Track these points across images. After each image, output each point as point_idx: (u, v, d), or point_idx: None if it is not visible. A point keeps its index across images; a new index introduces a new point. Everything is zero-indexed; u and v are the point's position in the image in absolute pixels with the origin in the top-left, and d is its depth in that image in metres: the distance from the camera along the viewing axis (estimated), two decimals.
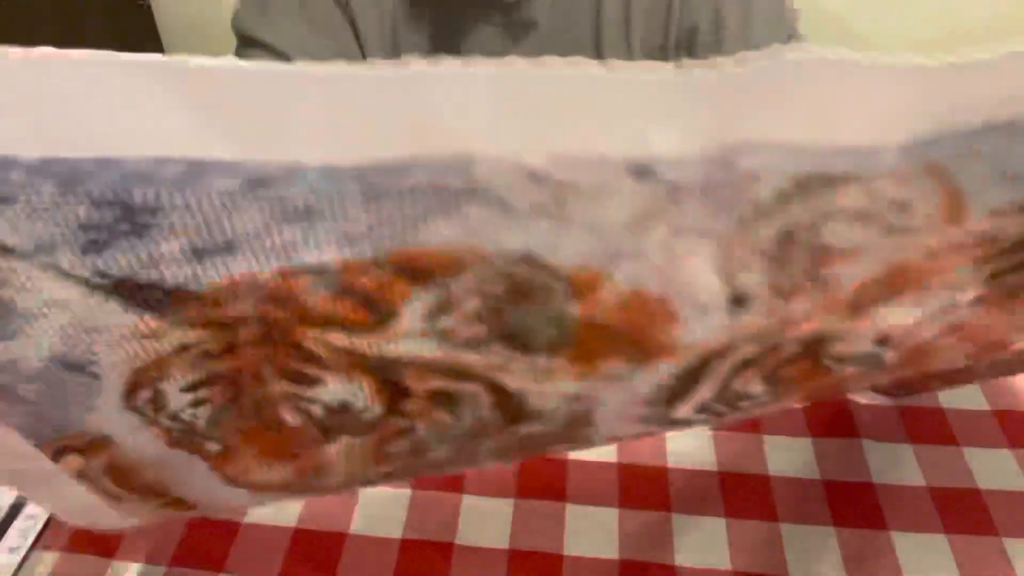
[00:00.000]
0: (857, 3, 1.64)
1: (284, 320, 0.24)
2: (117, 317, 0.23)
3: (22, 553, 0.45)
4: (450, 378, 0.28)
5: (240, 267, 0.22)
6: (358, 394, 0.28)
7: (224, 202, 0.20)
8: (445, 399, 0.29)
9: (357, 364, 0.27)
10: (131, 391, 0.27)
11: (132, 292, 0.22)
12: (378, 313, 0.24)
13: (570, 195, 0.21)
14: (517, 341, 0.26)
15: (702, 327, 0.26)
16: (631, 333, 0.26)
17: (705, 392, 0.32)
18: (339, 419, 0.30)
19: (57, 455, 0.30)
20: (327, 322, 0.24)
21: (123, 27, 1.75)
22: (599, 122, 0.19)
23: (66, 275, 0.21)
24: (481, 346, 0.26)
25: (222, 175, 0.19)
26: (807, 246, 0.23)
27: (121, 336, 0.24)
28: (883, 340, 0.29)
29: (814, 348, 0.29)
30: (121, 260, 0.21)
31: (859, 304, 0.27)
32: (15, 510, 0.51)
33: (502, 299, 0.24)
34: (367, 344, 0.25)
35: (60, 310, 0.22)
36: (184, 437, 0.30)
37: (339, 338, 0.25)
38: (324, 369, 0.27)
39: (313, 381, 0.27)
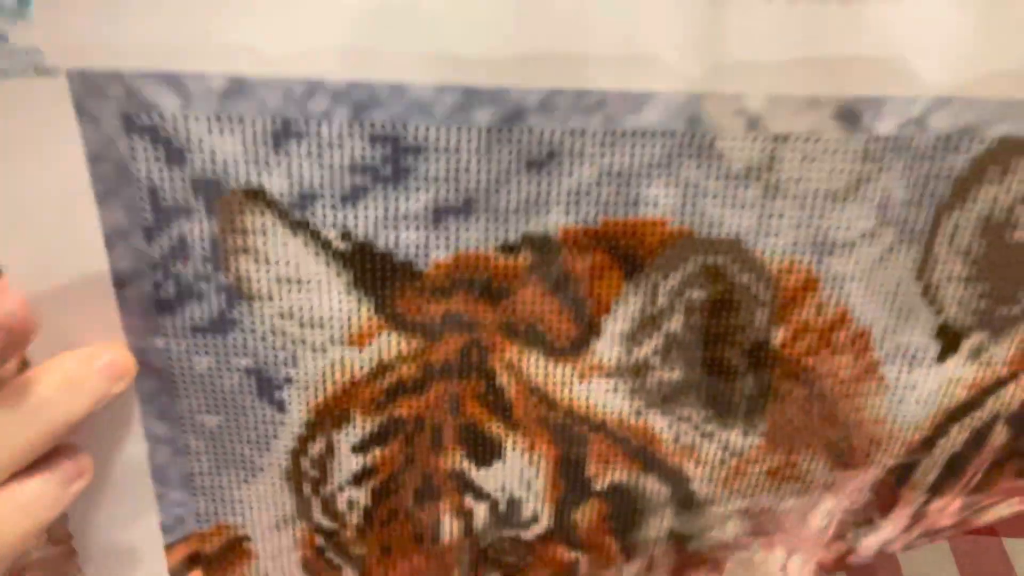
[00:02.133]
0: None
1: (489, 327, 0.24)
2: (339, 300, 0.23)
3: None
4: (635, 462, 0.26)
5: (470, 236, 0.23)
6: (532, 484, 0.26)
7: (480, 141, 0.21)
8: (622, 508, 0.27)
9: (543, 423, 0.25)
10: (306, 437, 0.25)
11: (365, 263, 0.23)
12: (583, 321, 0.24)
13: (782, 152, 0.22)
14: (712, 392, 0.25)
15: (909, 392, 0.25)
16: (831, 398, 0.25)
17: (900, 521, 0.29)
18: (498, 534, 0.27)
19: (179, 573, 0.27)
20: (530, 330, 0.24)
21: None
22: (814, 58, 0.21)
23: (314, 236, 0.22)
24: (674, 400, 0.25)
25: (485, 104, 0.21)
26: (1007, 245, 0.24)
27: (330, 338, 0.23)
28: None
29: (1018, 443, 0.27)
30: (370, 214, 0.22)
31: None
32: None
33: (704, 311, 0.24)
34: (560, 382, 0.24)
35: (288, 289, 0.23)
36: (326, 554, 0.27)
37: (535, 366, 0.24)
38: (508, 428, 0.25)
39: (490, 453, 0.25)
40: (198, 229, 0.22)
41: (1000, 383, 0.26)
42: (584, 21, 0.20)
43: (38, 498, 0.22)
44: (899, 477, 0.28)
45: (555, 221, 0.23)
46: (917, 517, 0.30)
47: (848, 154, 0.22)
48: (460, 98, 0.21)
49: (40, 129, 0.20)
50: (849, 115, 0.22)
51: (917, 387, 0.25)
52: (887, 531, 0.30)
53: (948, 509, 0.30)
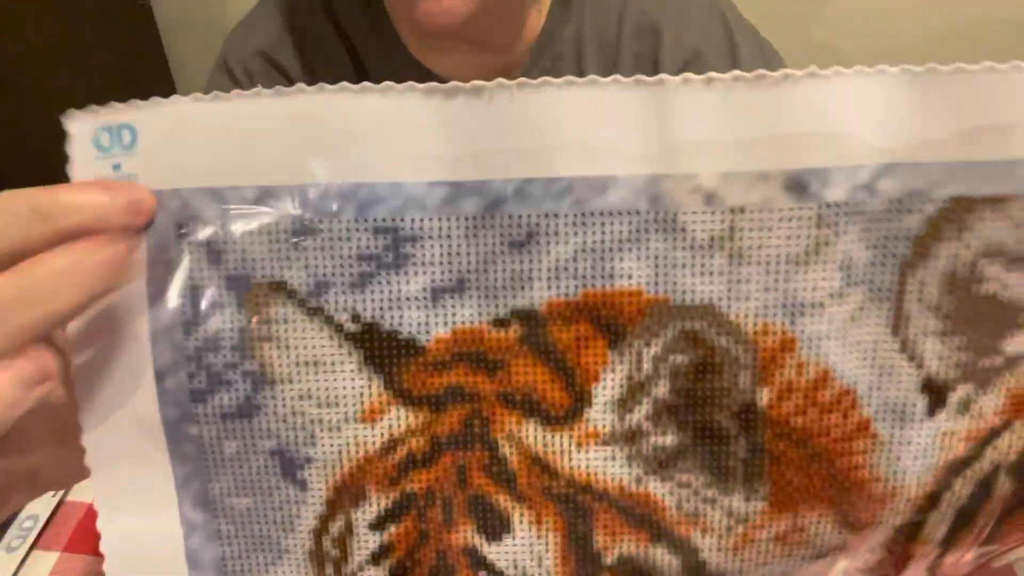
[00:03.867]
0: (843, 29, 1.47)
1: (488, 398, 0.26)
2: (351, 380, 0.26)
3: (22, 553, 0.44)
4: (641, 533, 0.26)
5: (464, 313, 0.25)
6: (543, 559, 0.27)
7: (467, 228, 0.25)
8: None
9: (546, 493, 0.26)
10: (327, 516, 0.27)
11: (373, 342, 0.25)
12: (574, 389, 0.26)
13: (740, 222, 0.25)
14: (708, 455, 0.26)
15: (904, 448, 0.26)
16: (827, 457, 0.26)
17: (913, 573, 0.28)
18: None
19: None
20: (526, 400, 0.26)
21: (123, 27, 1.67)
22: (758, 137, 0.24)
23: (328, 321, 0.25)
24: (672, 465, 0.26)
25: (470, 195, 0.25)
26: (976, 298, 0.25)
27: (344, 416, 0.26)
28: None
29: (1022, 493, 0.27)
30: (376, 297, 0.25)
31: None
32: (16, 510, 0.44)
33: (689, 375, 0.25)
34: (558, 451, 0.26)
35: (307, 372, 0.26)
36: None
37: (533, 436, 0.26)
38: (515, 499, 0.26)
39: (500, 526, 0.27)
40: (229, 322, 0.25)
41: (994, 433, 0.26)
42: (549, 119, 0.24)
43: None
44: (908, 534, 0.27)
45: (539, 295, 0.25)
46: (932, 569, 0.30)
47: (803, 221, 0.24)
48: (448, 191, 0.24)
49: None
50: (797, 186, 0.24)
51: (912, 443, 0.26)
52: None
53: (962, 560, 0.30)
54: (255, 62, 0.63)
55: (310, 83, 0.24)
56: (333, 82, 0.24)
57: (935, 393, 0.26)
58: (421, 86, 0.24)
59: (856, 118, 0.24)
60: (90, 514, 0.46)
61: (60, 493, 0.47)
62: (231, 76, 0.65)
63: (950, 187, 0.24)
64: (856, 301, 0.25)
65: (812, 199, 0.24)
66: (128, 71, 1.66)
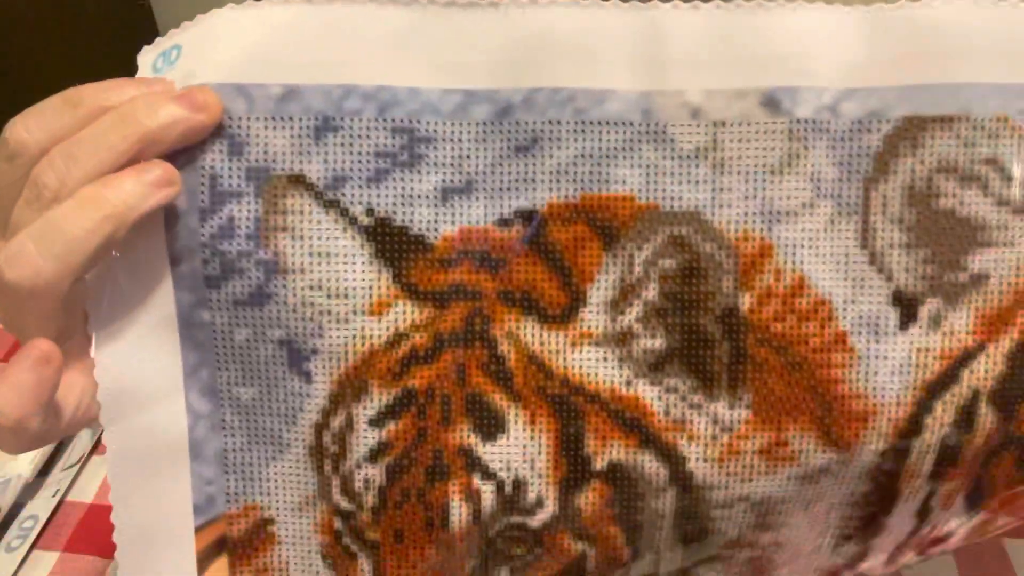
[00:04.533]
0: None
1: (490, 296, 0.27)
2: (362, 271, 0.27)
3: (22, 553, 0.44)
4: (630, 438, 0.28)
5: (471, 212, 0.27)
6: (536, 462, 0.28)
7: (477, 132, 0.27)
8: (623, 491, 0.28)
9: (541, 393, 0.27)
10: (329, 410, 0.28)
11: (385, 235, 0.27)
12: (570, 288, 0.27)
13: (722, 135, 0.27)
14: (694, 358, 0.27)
15: (881, 362, 0.27)
16: (807, 367, 0.27)
17: (900, 522, 0.29)
18: (506, 520, 0.28)
19: (206, 558, 0.28)
20: (525, 298, 0.27)
21: (123, 26, 1.68)
22: (737, 57, 0.27)
23: (343, 213, 0.27)
24: (661, 368, 0.27)
25: (481, 102, 0.27)
26: (935, 212, 0.27)
27: (353, 308, 0.27)
28: None
29: (1009, 428, 0.28)
30: (390, 193, 0.27)
31: (1020, 328, 0.27)
32: (16, 510, 0.46)
33: (676, 279, 0.27)
34: (554, 350, 0.27)
35: (319, 262, 0.27)
36: (343, 539, 0.29)
37: (531, 334, 0.27)
38: (510, 398, 0.27)
39: (495, 425, 0.28)
40: (245, 211, 0.27)
41: (969, 354, 0.28)
42: (555, 34, 0.27)
43: (129, 192, 0.24)
44: (894, 461, 0.28)
45: (541, 197, 0.27)
46: (921, 543, 0.31)
47: (776, 134, 0.27)
48: (462, 98, 0.27)
49: None
50: (771, 102, 0.27)
51: (888, 357, 0.27)
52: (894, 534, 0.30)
53: (948, 528, 0.31)
54: None
55: None
56: None
57: (905, 306, 0.27)
58: (442, 2, 0.27)
59: (821, 45, 0.27)
60: (90, 514, 0.47)
61: (60, 493, 0.47)
62: None
63: (903, 107, 0.27)
64: (826, 213, 0.27)
65: (784, 114, 0.27)
66: (128, 71, 1.68)
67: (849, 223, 0.27)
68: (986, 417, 0.28)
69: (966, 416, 0.28)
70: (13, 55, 1.47)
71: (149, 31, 1.73)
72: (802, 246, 0.27)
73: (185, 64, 0.27)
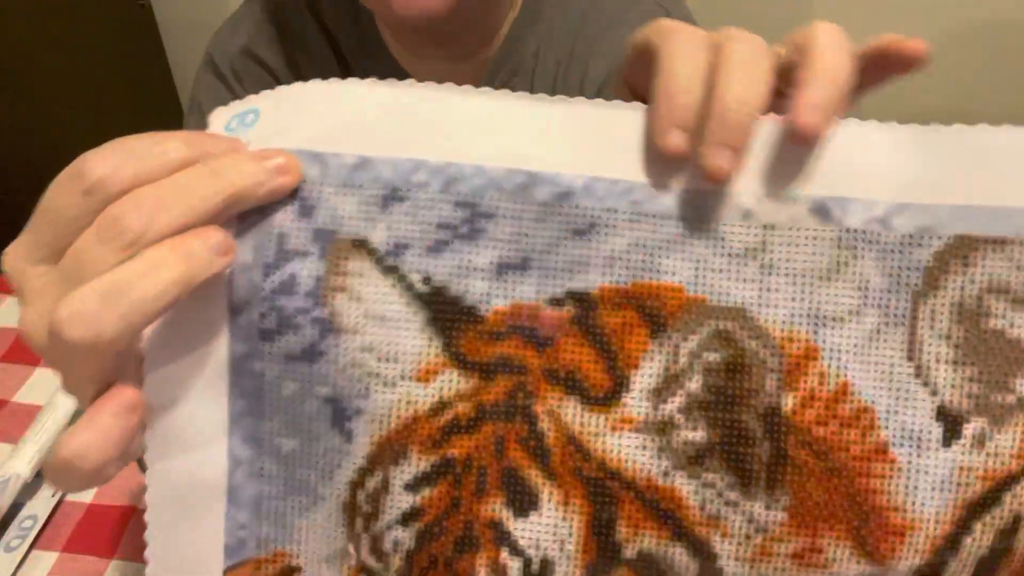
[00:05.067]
0: None
1: (535, 372, 0.28)
2: (414, 338, 0.28)
3: (22, 553, 0.43)
4: (663, 530, 0.28)
5: (524, 289, 0.28)
6: (566, 544, 0.28)
7: (538, 212, 0.28)
8: None
9: (577, 475, 0.28)
10: (366, 470, 0.28)
11: (439, 304, 0.28)
12: (615, 372, 0.28)
13: (771, 238, 0.28)
14: (734, 455, 0.27)
15: (923, 476, 0.27)
16: (847, 474, 0.27)
17: None
18: None
19: None
20: (569, 377, 0.28)
21: (123, 27, 1.67)
22: (790, 166, 0.28)
23: (401, 279, 0.28)
24: (700, 463, 0.28)
25: (544, 184, 0.28)
26: (985, 331, 0.27)
27: (401, 373, 0.28)
28: None
29: None
30: (448, 264, 0.28)
31: None
32: (15, 510, 0.45)
33: (720, 374, 0.28)
34: (594, 432, 0.28)
35: (373, 325, 0.28)
36: None
37: (572, 414, 0.28)
38: (546, 476, 0.28)
39: (528, 502, 0.28)
40: (308, 270, 0.28)
41: (1013, 478, 0.27)
42: (617, 132, 0.28)
43: (198, 257, 0.25)
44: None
45: (594, 280, 0.28)
46: None
47: (825, 241, 0.28)
48: (525, 179, 0.28)
49: None
50: (822, 210, 0.28)
51: (929, 472, 0.27)
52: None
53: None
54: (240, 60, 0.66)
55: (294, 80, 0.29)
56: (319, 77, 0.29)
57: (950, 422, 0.27)
58: (514, 95, 0.29)
59: (874, 160, 0.28)
60: (89, 514, 0.47)
61: (59, 493, 0.47)
62: (217, 73, 0.68)
63: (956, 226, 0.27)
64: (873, 322, 0.28)
65: (833, 223, 0.28)
66: (128, 71, 1.67)
67: (896, 334, 0.28)
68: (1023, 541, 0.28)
69: (1005, 539, 0.27)
70: (13, 55, 1.46)
71: (149, 31, 1.72)
72: (848, 352, 0.28)
73: (263, 128, 0.28)
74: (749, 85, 0.27)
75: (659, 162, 0.28)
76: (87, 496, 0.48)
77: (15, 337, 0.60)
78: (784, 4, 1.56)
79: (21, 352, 0.60)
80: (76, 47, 1.56)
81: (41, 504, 0.47)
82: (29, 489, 0.47)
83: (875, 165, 0.28)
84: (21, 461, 0.47)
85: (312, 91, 0.29)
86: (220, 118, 0.29)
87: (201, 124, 0.30)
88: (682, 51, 0.28)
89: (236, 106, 0.29)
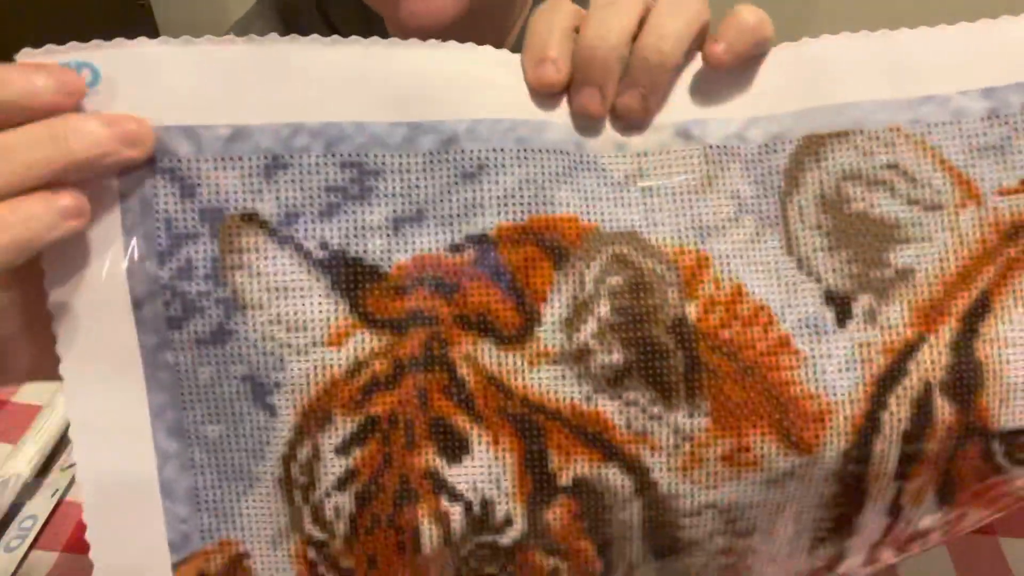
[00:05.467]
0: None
1: (446, 320, 0.28)
2: (319, 303, 0.28)
3: (22, 553, 0.44)
4: (594, 453, 0.28)
5: (423, 240, 0.28)
6: (501, 481, 0.28)
7: (425, 162, 0.28)
8: (590, 504, 0.28)
9: (502, 413, 0.28)
10: (295, 441, 0.28)
11: (340, 268, 0.28)
12: (524, 309, 0.28)
13: (646, 164, 0.29)
14: (650, 370, 0.28)
15: (827, 360, 0.29)
16: (759, 371, 0.28)
17: (872, 521, 0.30)
18: (476, 540, 0.28)
19: None
20: (480, 320, 0.28)
21: (123, 27, 1.54)
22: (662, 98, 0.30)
23: (298, 248, 0.28)
24: (619, 383, 0.28)
25: (427, 133, 0.28)
26: (849, 216, 0.29)
27: (312, 340, 0.28)
28: None
29: (969, 419, 0.28)
30: (343, 227, 0.28)
31: (958, 317, 0.28)
32: (15, 510, 0.46)
33: (625, 295, 0.28)
34: (512, 370, 0.28)
35: (277, 297, 0.28)
36: (318, 568, 0.28)
37: (488, 356, 0.28)
38: (473, 420, 0.28)
39: (459, 447, 0.28)
40: (202, 251, 0.28)
41: (912, 346, 0.29)
42: (494, 72, 0.29)
43: (37, 220, 0.24)
44: (858, 460, 0.29)
45: (490, 221, 0.29)
46: (898, 541, 0.31)
47: (693, 159, 0.30)
48: (407, 131, 0.29)
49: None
50: (684, 133, 0.30)
51: (832, 355, 0.29)
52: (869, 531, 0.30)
53: (924, 526, 0.31)
54: None
55: None
56: None
57: (839, 304, 0.29)
58: (383, 40, 0.29)
59: (723, 81, 0.30)
60: None
61: (59, 493, 0.47)
62: None
63: (802, 128, 0.30)
64: (750, 226, 0.29)
65: (697, 141, 0.30)
66: None
67: (773, 234, 0.29)
68: (943, 409, 0.28)
69: (922, 409, 0.28)
70: (13, 55, 1.47)
71: (149, 31, 1.71)
72: (735, 256, 0.29)
73: (111, 93, 0.27)
74: (608, 22, 0.29)
75: (539, 99, 0.30)
76: None
77: None
78: (784, 4, 1.55)
79: None
80: None
81: (41, 504, 0.46)
82: (29, 489, 0.47)
83: (723, 89, 0.30)
84: (21, 461, 0.47)
85: (158, 54, 0.27)
86: (36, 60, 0.26)
87: None
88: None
89: (61, 53, 0.26)
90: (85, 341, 0.27)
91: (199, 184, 0.28)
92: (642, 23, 0.29)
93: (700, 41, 0.30)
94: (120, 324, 0.28)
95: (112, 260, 0.27)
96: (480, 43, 0.29)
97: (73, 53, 0.27)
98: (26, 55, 0.26)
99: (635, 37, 0.29)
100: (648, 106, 0.29)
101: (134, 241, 0.27)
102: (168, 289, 0.28)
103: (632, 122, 0.30)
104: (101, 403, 0.28)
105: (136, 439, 0.28)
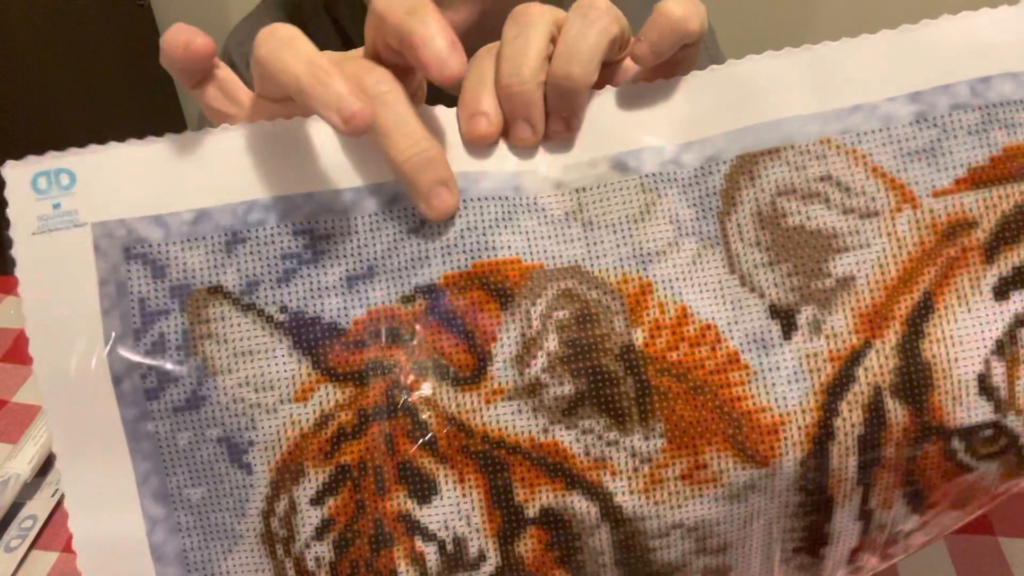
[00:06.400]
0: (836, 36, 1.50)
1: (404, 365, 0.30)
2: (283, 364, 0.30)
3: (22, 553, 0.44)
4: (556, 482, 0.29)
5: (376, 295, 0.30)
6: (472, 517, 0.29)
7: (372, 222, 0.30)
8: (559, 533, 0.29)
9: (465, 452, 0.29)
10: (272, 497, 0.30)
11: (300, 329, 0.30)
12: (475, 350, 0.30)
13: (585, 199, 0.31)
14: (602, 398, 0.29)
15: (776, 373, 0.29)
16: (709, 389, 0.29)
17: (844, 528, 0.30)
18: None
19: None
20: (436, 365, 0.30)
21: (123, 27, 1.69)
22: (591, 129, 0.31)
23: (260, 314, 0.30)
24: (574, 412, 0.29)
25: (371, 196, 0.30)
26: (787, 230, 0.30)
27: (280, 398, 0.30)
28: (989, 391, 0.29)
29: (924, 419, 0.29)
30: (300, 289, 0.30)
31: (902, 320, 0.29)
32: (15, 510, 0.46)
33: (572, 327, 0.30)
34: (470, 410, 0.29)
35: (244, 362, 0.30)
36: None
37: (446, 398, 0.29)
38: (438, 461, 0.29)
39: (428, 488, 0.29)
40: (173, 325, 0.30)
41: (858, 353, 0.29)
42: (428, 128, 0.31)
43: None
44: (818, 470, 0.29)
45: (436, 271, 0.30)
46: (879, 547, 0.31)
47: (631, 190, 0.31)
48: (352, 195, 0.31)
49: (69, 265, 0.30)
50: (620, 166, 0.31)
51: (781, 367, 0.29)
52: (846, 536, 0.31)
53: (903, 530, 0.31)
54: None
55: None
56: None
57: (783, 317, 0.30)
58: (304, 120, 0.31)
59: (652, 113, 0.31)
60: None
61: (59, 493, 0.47)
62: (235, 70, 0.69)
63: (734, 148, 0.31)
64: (691, 248, 0.30)
65: (633, 172, 0.31)
66: (128, 71, 1.68)
67: (715, 253, 0.30)
68: (895, 411, 0.29)
69: (874, 413, 0.29)
70: (13, 55, 1.45)
71: (149, 31, 1.75)
72: (678, 279, 0.30)
73: (85, 193, 0.30)
74: (518, 57, 0.30)
75: (474, 149, 0.31)
76: None
77: (15, 337, 0.60)
78: (786, 4, 1.54)
79: (21, 352, 0.59)
80: (76, 47, 1.55)
81: (41, 504, 0.46)
82: (29, 489, 0.47)
83: (655, 116, 0.31)
84: (21, 461, 0.47)
85: (123, 155, 0.30)
86: (21, 173, 0.29)
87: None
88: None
89: (39, 163, 0.30)
90: (72, 418, 0.30)
91: (168, 265, 0.30)
92: (555, 41, 0.30)
93: (617, 49, 0.31)
94: (102, 400, 0.30)
95: (90, 342, 0.29)
96: None
97: (51, 160, 0.30)
98: (10, 167, 0.30)
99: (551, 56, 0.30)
100: (571, 126, 0.31)
101: (111, 322, 0.30)
102: (144, 363, 0.30)
103: (562, 142, 0.31)
104: (91, 474, 0.30)
105: (125, 506, 0.30)
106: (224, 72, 0.33)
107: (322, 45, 0.30)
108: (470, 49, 0.30)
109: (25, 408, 0.55)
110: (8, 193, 0.30)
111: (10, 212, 0.30)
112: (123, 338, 0.30)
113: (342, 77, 0.27)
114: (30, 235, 0.30)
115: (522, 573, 0.29)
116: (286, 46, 0.28)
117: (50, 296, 0.30)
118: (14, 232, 0.30)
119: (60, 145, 0.30)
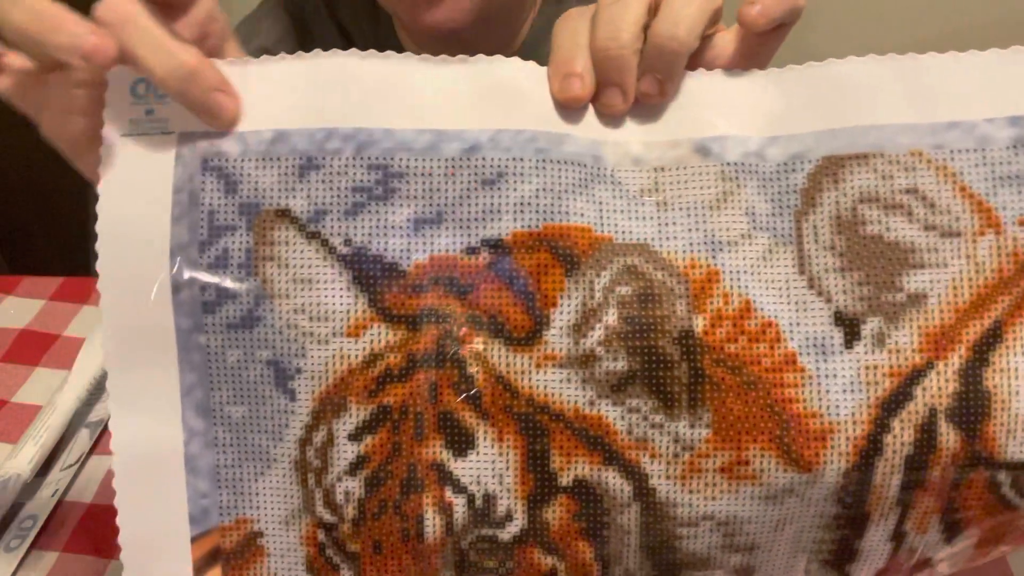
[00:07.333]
0: (837, 36, 1.44)
1: (459, 319, 0.29)
2: (341, 296, 0.30)
3: (22, 553, 0.44)
4: (594, 456, 0.29)
5: (441, 242, 0.30)
6: (504, 477, 0.29)
7: (447, 167, 0.30)
8: (588, 505, 0.29)
9: (507, 412, 0.29)
10: (312, 426, 0.30)
11: (362, 264, 0.30)
12: (534, 313, 0.29)
13: (662, 178, 0.30)
14: (654, 379, 0.29)
15: (832, 380, 0.29)
16: (763, 386, 0.29)
17: (875, 547, 0.30)
18: (477, 532, 0.29)
19: (201, 568, 0.30)
20: (492, 322, 0.29)
21: None
22: (674, 111, 0.31)
23: (324, 244, 0.30)
24: (623, 390, 0.29)
25: (451, 141, 0.30)
26: (864, 238, 0.29)
27: (333, 330, 0.30)
28: None
29: (975, 447, 0.28)
30: (366, 225, 0.30)
31: (968, 345, 0.29)
32: (15, 510, 0.46)
33: (634, 304, 0.29)
34: (519, 371, 0.29)
35: (302, 289, 0.30)
36: (326, 551, 0.30)
37: (497, 356, 0.29)
38: (479, 416, 0.29)
39: (465, 442, 0.29)
40: (239, 243, 0.30)
41: (919, 372, 0.29)
42: (519, 86, 0.31)
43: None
44: (860, 483, 0.29)
45: (506, 227, 0.30)
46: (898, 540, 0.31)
47: (710, 176, 0.30)
48: (433, 137, 0.30)
49: (149, 169, 0.30)
50: (703, 149, 0.31)
51: (838, 375, 0.29)
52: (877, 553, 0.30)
53: (944, 560, 0.31)
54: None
55: None
56: None
57: (848, 325, 0.29)
58: (417, 56, 0.31)
59: (744, 102, 0.31)
60: (89, 514, 0.47)
61: (59, 493, 0.47)
62: None
63: (822, 149, 0.30)
64: (763, 243, 0.30)
65: (715, 159, 0.31)
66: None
67: (786, 252, 0.30)
68: (947, 436, 0.28)
69: (926, 435, 0.29)
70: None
71: None
72: (745, 272, 0.30)
73: (177, 104, 0.30)
74: (617, 20, 0.30)
75: (561, 111, 0.31)
76: (87, 496, 0.48)
77: (15, 337, 0.60)
78: None
79: (21, 352, 0.60)
80: None
81: (41, 504, 0.46)
82: (29, 489, 0.47)
83: (744, 106, 0.31)
84: (21, 461, 0.47)
85: (223, 70, 0.31)
86: (123, 76, 0.30)
87: None
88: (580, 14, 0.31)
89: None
90: (127, 321, 0.30)
91: (241, 181, 0.30)
92: (653, 10, 0.30)
93: (713, 24, 0.31)
94: (160, 306, 0.30)
95: (156, 247, 0.30)
96: (490, 45, 0.31)
97: None
98: (116, 69, 0.30)
99: (647, 26, 0.30)
100: (665, 91, 0.30)
101: (179, 231, 0.30)
102: (205, 276, 0.30)
103: (647, 116, 0.31)
104: (138, 378, 0.30)
105: (166, 414, 0.30)
106: None
107: (324, 45, 0.31)
108: (472, 39, 0.30)
109: (25, 408, 0.55)
110: (108, 94, 0.30)
111: (106, 113, 0.30)
112: (188, 248, 0.30)
113: (72, 17, 0.27)
114: (120, 136, 0.30)
115: (546, 539, 0.29)
116: (12, 3, 0.27)
117: (126, 198, 0.30)
118: (106, 132, 0.30)
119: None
